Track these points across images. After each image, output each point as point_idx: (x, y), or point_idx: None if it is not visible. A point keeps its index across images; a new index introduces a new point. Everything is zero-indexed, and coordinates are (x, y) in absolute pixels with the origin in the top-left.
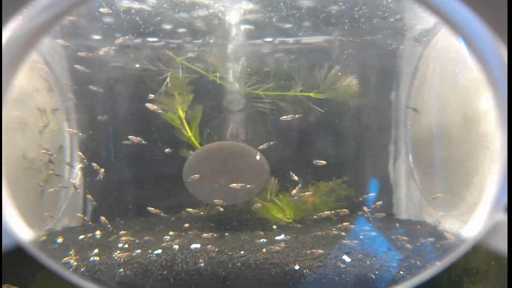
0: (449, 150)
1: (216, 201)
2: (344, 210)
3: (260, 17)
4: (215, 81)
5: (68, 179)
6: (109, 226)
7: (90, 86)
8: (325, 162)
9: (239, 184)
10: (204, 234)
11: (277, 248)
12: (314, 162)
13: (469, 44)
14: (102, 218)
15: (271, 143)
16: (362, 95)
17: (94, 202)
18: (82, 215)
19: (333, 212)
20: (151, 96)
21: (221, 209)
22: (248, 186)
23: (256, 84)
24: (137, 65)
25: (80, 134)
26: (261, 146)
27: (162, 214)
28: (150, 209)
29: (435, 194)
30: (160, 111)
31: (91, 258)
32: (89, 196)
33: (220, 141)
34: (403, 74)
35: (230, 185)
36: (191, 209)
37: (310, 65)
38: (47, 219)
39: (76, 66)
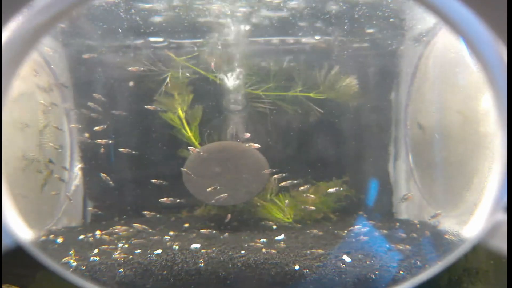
0: (449, 150)
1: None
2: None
3: (260, 17)
4: (215, 81)
5: (68, 179)
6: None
7: (90, 87)
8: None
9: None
10: (203, 230)
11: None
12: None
13: (469, 44)
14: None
15: (258, 145)
16: (362, 95)
17: (94, 206)
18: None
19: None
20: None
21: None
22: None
23: (256, 84)
24: (142, 68)
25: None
26: (247, 145)
27: (158, 216)
28: (146, 213)
29: (432, 194)
30: (159, 108)
31: (91, 258)
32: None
33: (220, 141)
34: (403, 74)
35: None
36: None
37: (310, 65)
38: (47, 219)
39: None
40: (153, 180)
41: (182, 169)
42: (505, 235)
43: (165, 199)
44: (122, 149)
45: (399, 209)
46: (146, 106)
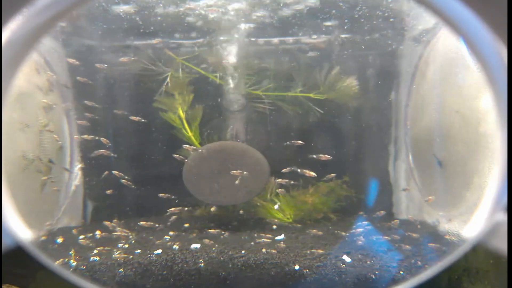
0: (449, 150)
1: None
2: None
3: (260, 17)
4: (215, 81)
5: (68, 179)
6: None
7: (89, 82)
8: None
9: None
10: (209, 230)
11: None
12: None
13: (469, 44)
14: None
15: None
16: (362, 95)
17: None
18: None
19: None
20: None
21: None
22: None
23: (256, 84)
24: (133, 58)
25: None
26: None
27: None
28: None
29: (432, 194)
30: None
31: (91, 258)
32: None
33: (220, 141)
34: (403, 74)
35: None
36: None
37: (310, 65)
38: (47, 219)
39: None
40: (161, 194)
41: (175, 155)
42: (505, 235)
43: (173, 209)
44: (103, 139)
45: (399, 209)
46: (131, 118)
